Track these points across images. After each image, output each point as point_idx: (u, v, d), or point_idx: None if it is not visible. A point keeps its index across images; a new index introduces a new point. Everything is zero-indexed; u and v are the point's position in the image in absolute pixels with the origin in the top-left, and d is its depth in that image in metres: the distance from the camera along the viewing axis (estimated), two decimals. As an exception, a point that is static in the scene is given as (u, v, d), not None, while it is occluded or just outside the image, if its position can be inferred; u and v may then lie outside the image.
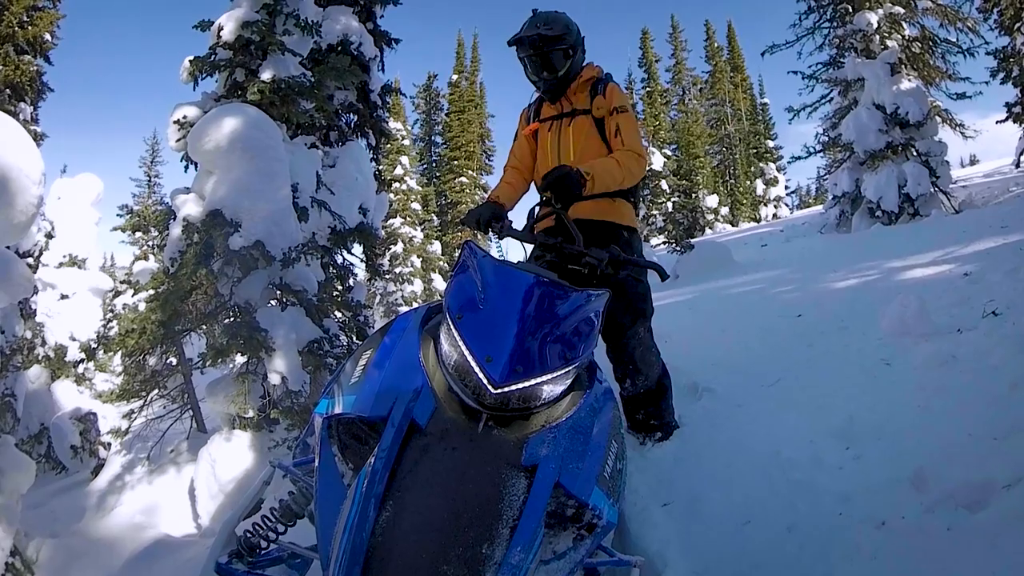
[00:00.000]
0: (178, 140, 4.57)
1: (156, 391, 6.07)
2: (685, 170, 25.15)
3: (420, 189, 25.71)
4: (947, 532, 1.66)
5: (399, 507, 1.30)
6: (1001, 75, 12.37)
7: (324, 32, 5.70)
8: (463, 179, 28.86)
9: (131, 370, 6.30)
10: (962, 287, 4.03)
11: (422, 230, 25.01)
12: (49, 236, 10.04)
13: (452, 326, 1.51)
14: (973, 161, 30.76)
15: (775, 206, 31.09)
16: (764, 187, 31.40)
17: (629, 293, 2.73)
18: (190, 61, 4.77)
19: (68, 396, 9.79)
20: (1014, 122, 12.72)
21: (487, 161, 30.24)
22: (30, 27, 9.42)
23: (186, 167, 4.91)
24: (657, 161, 23.38)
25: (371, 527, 1.27)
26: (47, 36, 9.71)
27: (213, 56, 4.79)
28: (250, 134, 4.13)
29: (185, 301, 4.22)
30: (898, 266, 5.36)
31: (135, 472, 6.04)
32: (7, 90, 9.11)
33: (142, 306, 4.25)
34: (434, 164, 31.39)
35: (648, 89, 30.74)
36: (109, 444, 8.44)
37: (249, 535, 1.81)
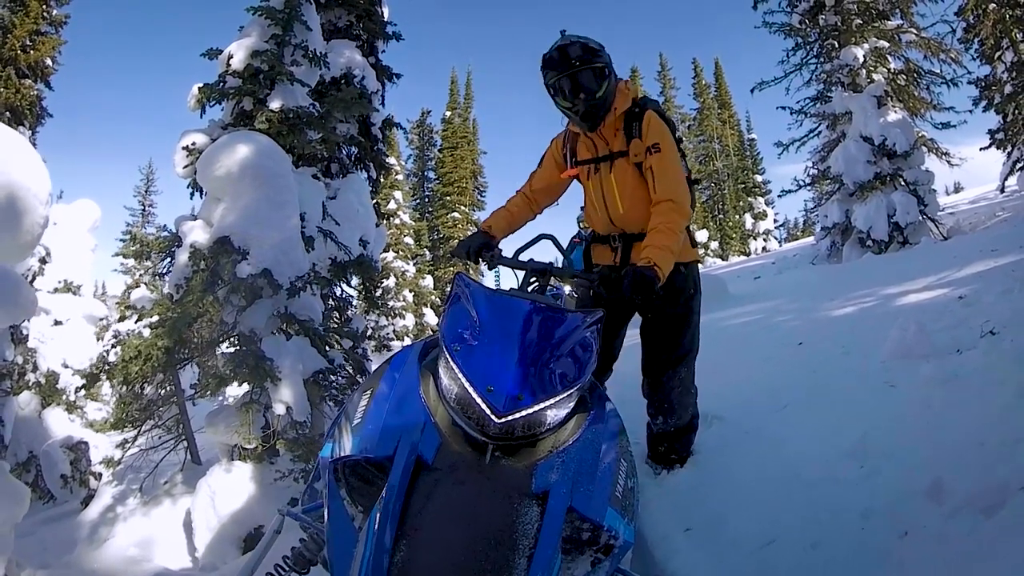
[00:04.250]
0: (185, 167, 4.60)
1: (151, 421, 5.99)
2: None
3: (413, 224, 25.91)
4: (969, 536, 1.70)
5: (413, 546, 1.28)
6: (983, 103, 12.76)
7: (328, 64, 5.79)
8: (455, 214, 29.01)
9: (126, 399, 6.20)
10: (958, 309, 4.09)
11: (414, 264, 25.16)
12: (43, 261, 9.93)
13: (450, 359, 1.50)
14: (957, 188, 31.23)
15: (764, 239, 31.42)
16: (753, 221, 31.79)
17: (676, 331, 2.69)
18: (199, 88, 4.83)
19: (59, 424, 9.54)
20: (997, 148, 13.05)
21: (479, 197, 30.44)
22: (32, 51, 9.53)
23: (191, 194, 4.94)
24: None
25: (386, 568, 1.26)
26: (48, 61, 9.81)
27: (222, 84, 4.84)
28: (261, 162, 4.16)
29: (190, 328, 4.19)
30: (893, 292, 5.43)
31: (127, 503, 5.90)
32: (7, 113, 9.12)
33: (146, 332, 4.19)
34: (427, 199, 31.56)
35: (637, 127, 31.36)
36: (100, 474, 8.25)
37: None
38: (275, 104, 4.76)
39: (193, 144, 4.61)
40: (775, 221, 32.26)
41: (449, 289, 1.82)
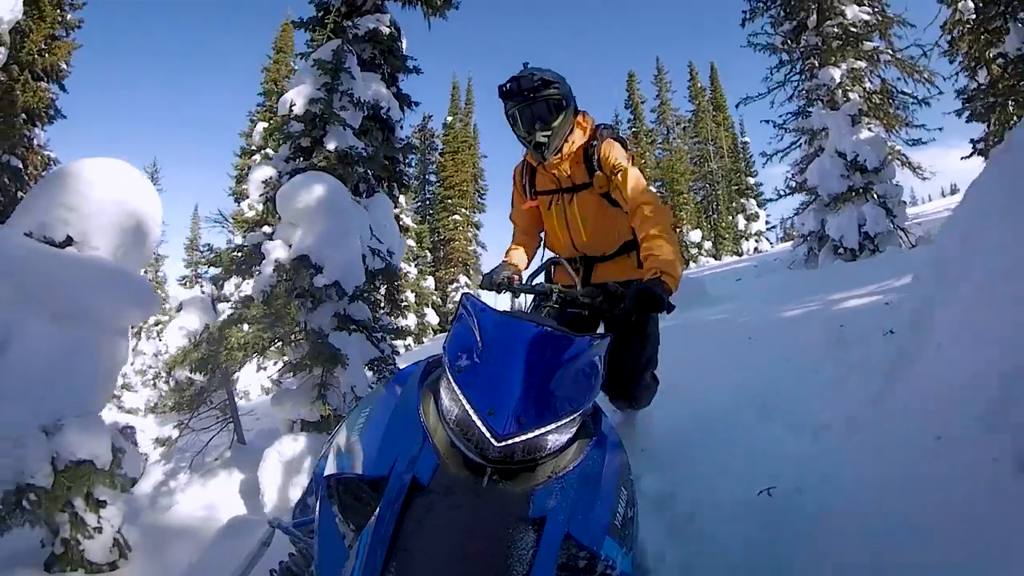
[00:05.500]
0: (260, 195, 5.67)
1: (204, 405, 6.90)
2: (669, 206, 26.24)
3: (415, 226, 26.27)
4: (810, 446, 2.99)
5: (404, 568, 1.26)
6: (967, 113, 13.54)
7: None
8: (456, 217, 29.83)
9: (184, 385, 7.07)
10: (879, 314, 4.95)
11: (416, 266, 25.61)
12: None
13: (452, 380, 1.47)
14: (954, 190, 31.85)
15: (756, 240, 32.17)
16: (745, 222, 32.55)
17: (647, 348, 3.00)
18: (264, 129, 5.89)
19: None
20: (979, 156, 13.71)
21: (480, 200, 31.28)
22: (48, 55, 9.97)
23: (263, 214, 5.98)
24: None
25: None
26: (63, 65, 10.26)
27: (287, 127, 5.90)
28: (332, 198, 5.20)
29: (276, 324, 5.20)
30: (839, 298, 6.35)
31: (179, 478, 6.73)
32: (23, 114, 9.62)
33: (244, 327, 5.17)
34: (428, 202, 32.42)
35: (634, 129, 32.30)
36: (146, 456, 9.03)
37: None
38: (331, 145, 5.79)
39: (269, 178, 5.65)
40: (767, 223, 32.93)
41: (455, 309, 1.78)
